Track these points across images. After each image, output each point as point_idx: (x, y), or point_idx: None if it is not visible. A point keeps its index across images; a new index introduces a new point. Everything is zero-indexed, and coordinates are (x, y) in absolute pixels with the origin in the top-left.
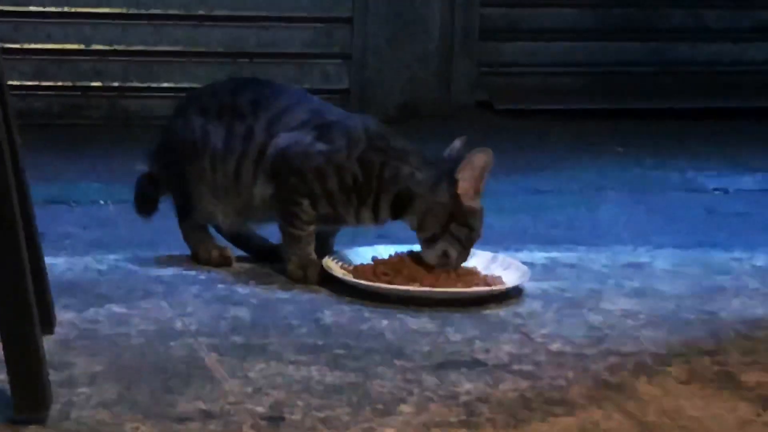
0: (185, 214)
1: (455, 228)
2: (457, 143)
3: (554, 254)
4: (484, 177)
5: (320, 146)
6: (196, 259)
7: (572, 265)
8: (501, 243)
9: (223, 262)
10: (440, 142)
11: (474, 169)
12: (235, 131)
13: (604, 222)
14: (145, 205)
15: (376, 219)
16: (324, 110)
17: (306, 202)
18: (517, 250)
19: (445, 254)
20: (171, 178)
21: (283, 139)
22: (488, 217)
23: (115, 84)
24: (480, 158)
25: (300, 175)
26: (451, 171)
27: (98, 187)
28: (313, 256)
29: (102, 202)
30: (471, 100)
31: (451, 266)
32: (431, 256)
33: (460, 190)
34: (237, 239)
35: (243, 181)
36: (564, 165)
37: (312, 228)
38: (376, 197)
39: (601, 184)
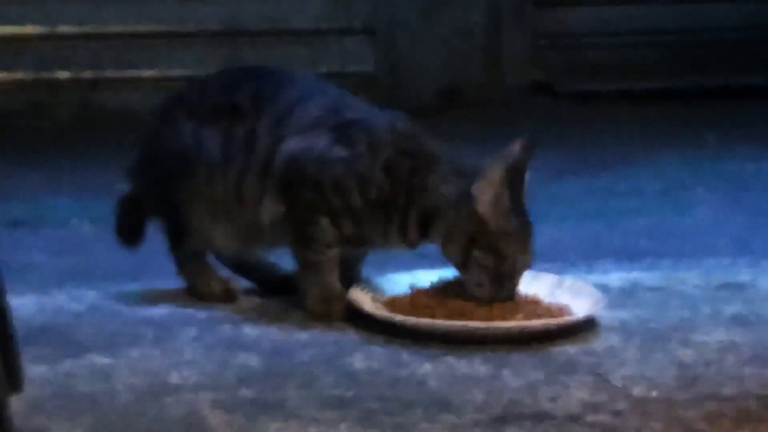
0: (178, 240)
1: (479, 255)
2: (516, 147)
3: (634, 274)
4: (505, 189)
5: (338, 151)
6: (193, 293)
7: (657, 288)
8: (568, 259)
9: (227, 297)
10: (488, 135)
11: (492, 182)
12: (235, 136)
13: (694, 229)
14: (131, 233)
15: (405, 239)
16: (342, 105)
17: (325, 221)
18: (588, 268)
19: (479, 285)
20: (158, 198)
21: (292, 143)
22: (553, 226)
23: (87, 75)
24: (495, 168)
25: (316, 189)
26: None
27: (70, 204)
28: (338, 286)
29: (75, 221)
30: (526, 82)
31: (485, 299)
32: (468, 286)
33: (480, 209)
34: (242, 268)
35: (246, 198)
36: (643, 160)
37: (334, 252)
38: (404, 213)
39: (689, 182)
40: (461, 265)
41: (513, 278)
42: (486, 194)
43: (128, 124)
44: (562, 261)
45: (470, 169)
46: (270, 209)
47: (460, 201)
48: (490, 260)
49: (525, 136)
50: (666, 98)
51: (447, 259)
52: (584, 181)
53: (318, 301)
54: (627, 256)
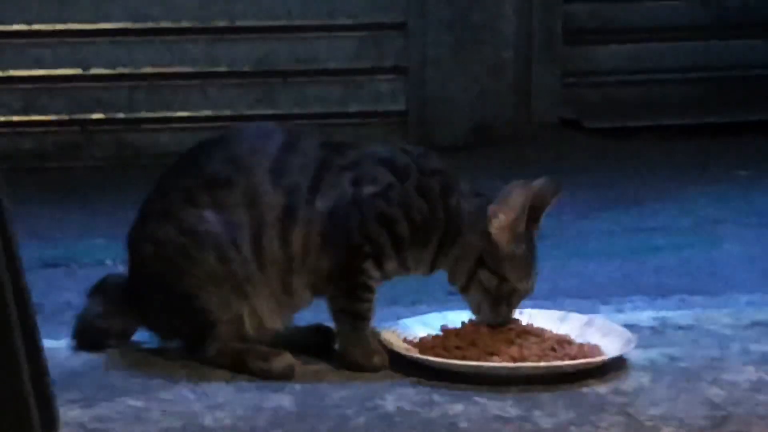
0: (202, 339)
1: (484, 275)
2: (542, 181)
3: (664, 313)
4: (524, 215)
5: (368, 189)
6: (253, 373)
7: (687, 327)
8: (598, 296)
9: (290, 371)
10: (518, 172)
11: (510, 205)
12: (227, 204)
13: (724, 265)
14: (95, 347)
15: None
16: (332, 145)
17: (369, 264)
18: (618, 305)
19: (478, 307)
20: (165, 310)
21: (321, 204)
22: (582, 264)
23: (121, 115)
24: (518, 193)
25: (363, 230)
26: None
27: (103, 244)
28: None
29: (109, 262)
30: (555, 118)
31: (484, 322)
32: (472, 309)
33: (492, 229)
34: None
35: (270, 260)
36: (673, 196)
37: (374, 297)
38: (442, 234)
39: (720, 217)
40: (464, 288)
41: (511, 304)
42: (503, 215)
43: (161, 165)
44: (592, 299)
45: (486, 191)
46: (313, 266)
47: (476, 220)
48: (494, 282)
49: (553, 175)
50: (695, 134)
51: (452, 281)
52: (614, 217)
53: (361, 358)
54: (657, 293)
